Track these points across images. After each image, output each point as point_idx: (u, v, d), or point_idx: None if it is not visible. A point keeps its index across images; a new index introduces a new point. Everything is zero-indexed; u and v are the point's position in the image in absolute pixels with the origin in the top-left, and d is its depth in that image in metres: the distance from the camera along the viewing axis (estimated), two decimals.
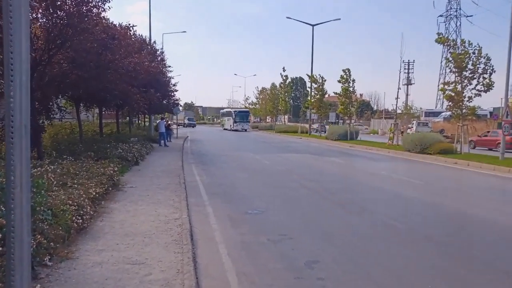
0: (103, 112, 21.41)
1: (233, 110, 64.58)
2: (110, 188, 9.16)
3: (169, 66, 28.39)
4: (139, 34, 26.00)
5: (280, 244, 6.17)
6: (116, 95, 15.41)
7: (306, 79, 73.30)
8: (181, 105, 45.29)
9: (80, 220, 6.12)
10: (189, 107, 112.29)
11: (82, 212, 6.32)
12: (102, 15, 11.82)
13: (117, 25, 15.85)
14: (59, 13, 10.35)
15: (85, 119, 26.71)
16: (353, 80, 31.00)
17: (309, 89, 43.25)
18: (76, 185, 7.70)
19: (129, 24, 17.14)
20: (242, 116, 59.14)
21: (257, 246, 6.06)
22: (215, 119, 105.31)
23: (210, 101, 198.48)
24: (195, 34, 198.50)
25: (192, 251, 5.56)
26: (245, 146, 27.77)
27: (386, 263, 5.43)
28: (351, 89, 31.21)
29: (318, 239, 6.48)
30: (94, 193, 7.54)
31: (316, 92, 37.82)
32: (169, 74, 29.35)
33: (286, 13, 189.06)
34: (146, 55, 19.64)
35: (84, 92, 14.49)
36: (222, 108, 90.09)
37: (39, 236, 4.72)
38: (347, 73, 30.93)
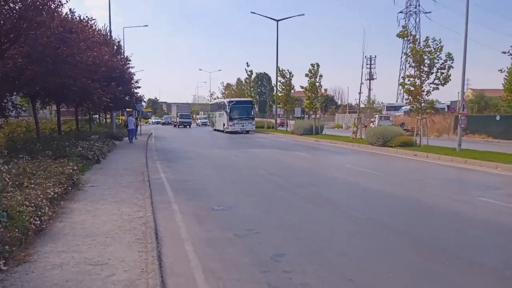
0: (62, 109, 20.62)
1: (227, 100, 40.87)
2: (70, 188, 8.85)
3: (130, 61, 27.51)
4: (103, 27, 25.30)
5: (246, 239, 6.17)
6: (75, 91, 14.87)
7: (272, 74, 73.64)
8: (144, 101, 44.14)
9: (38, 222, 5.88)
10: (153, 103, 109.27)
11: (40, 213, 6.08)
12: (59, 9, 11.38)
13: (75, 18, 15.29)
14: (11, 5, 9.84)
15: (42, 117, 25.67)
16: (321, 75, 31.29)
17: (275, 84, 43.00)
18: (33, 185, 7.41)
19: (87, 17, 16.59)
20: (242, 109, 37.60)
21: (223, 242, 6.03)
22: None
23: (175, 97, 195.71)
24: (157, 29, 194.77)
25: (157, 250, 5.46)
26: (211, 142, 27.59)
27: (350, 254, 5.54)
28: (317, 84, 31.46)
29: (285, 232, 6.53)
30: (52, 193, 7.27)
31: (284, 87, 37.89)
32: (131, 70, 28.51)
33: (251, 8, 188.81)
34: (106, 49, 19.03)
35: (41, 88, 13.88)
36: (188, 104, 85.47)
37: None
38: (315, 67, 31.08)
